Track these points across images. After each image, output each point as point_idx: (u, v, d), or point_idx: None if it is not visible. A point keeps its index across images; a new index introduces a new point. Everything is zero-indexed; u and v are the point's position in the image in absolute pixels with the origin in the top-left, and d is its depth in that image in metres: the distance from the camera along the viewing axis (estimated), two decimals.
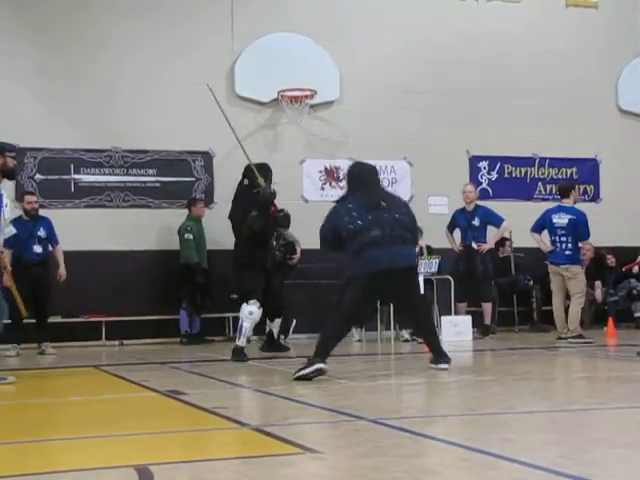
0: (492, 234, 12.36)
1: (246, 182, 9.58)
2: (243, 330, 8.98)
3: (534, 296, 13.42)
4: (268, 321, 10.12)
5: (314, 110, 13.53)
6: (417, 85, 13.92)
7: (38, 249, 11.07)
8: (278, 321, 10.28)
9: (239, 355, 8.93)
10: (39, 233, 11.14)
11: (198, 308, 12.39)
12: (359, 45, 13.80)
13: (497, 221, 12.25)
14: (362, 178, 7.58)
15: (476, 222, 12.14)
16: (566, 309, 11.23)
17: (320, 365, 6.97)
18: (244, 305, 9.05)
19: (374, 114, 13.74)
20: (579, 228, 11.13)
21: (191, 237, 12.31)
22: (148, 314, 12.42)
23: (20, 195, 11.52)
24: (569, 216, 11.16)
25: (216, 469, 3.78)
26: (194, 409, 5.54)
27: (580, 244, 11.60)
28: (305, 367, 6.96)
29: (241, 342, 8.99)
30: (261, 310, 9.04)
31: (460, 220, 12.27)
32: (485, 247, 12.11)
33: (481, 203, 12.62)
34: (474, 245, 12.06)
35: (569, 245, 11.12)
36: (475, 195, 12.42)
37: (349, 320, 7.48)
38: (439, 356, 7.69)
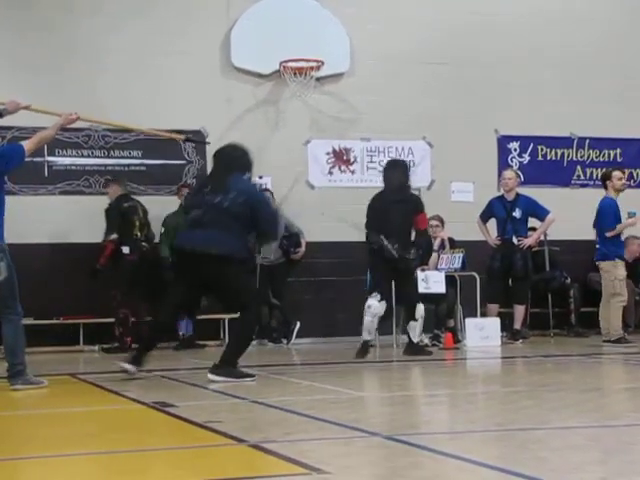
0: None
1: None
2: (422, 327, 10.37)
3: (572, 296, 13.38)
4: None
5: (321, 83, 13.51)
6: (438, 55, 13.89)
7: None
8: None
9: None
10: None
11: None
12: (372, 9, 13.77)
13: (542, 213, 12.21)
14: (219, 160, 8.23)
15: (517, 213, 12.09)
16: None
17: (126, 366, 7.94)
18: (419, 305, 10.30)
19: (389, 88, 13.72)
20: (599, 218, 11.43)
21: (162, 230, 12.38)
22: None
23: None
24: (598, 207, 11.54)
25: None
26: (184, 423, 5.55)
27: (622, 237, 11.61)
28: None
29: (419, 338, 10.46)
30: (383, 304, 10.22)
31: (498, 210, 12.21)
32: (527, 242, 12.08)
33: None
34: (514, 240, 12.02)
35: (598, 239, 11.48)
36: (516, 182, 12.35)
37: (169, 303, 8.17)
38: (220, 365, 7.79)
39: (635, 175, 14.88)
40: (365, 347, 10.20)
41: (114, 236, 11.88)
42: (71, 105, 12.71)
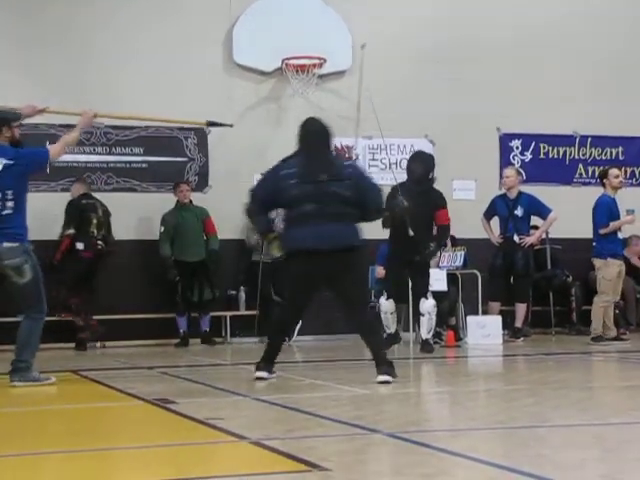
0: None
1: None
2: (433, 324, 10.57)
3: (573, 294, 13.38)
4: None
5: (323, 81, 13.50)
6: (441, 53, 13.86)
7: None
8: None
9: (429, 347, 10.39)
10: None
11: (180, 306, 12.39)
12: (375, 7, 13.74)
13: (544, 211, 12.19)
14: (309, 140, 7.61)
15: (519, 212, 12.07)
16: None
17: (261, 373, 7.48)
18: (424, 300, 10.47)
19: (391, 86, 13.69)
20: (594, 216, 11.53)
21: (162, 229, 12.39)
22: (133, 312, 12.44)
23: None
24: (594, 204, 11.60)
25: None
26: (185, 420, 5.55)
27: (620, 235, 11.60)
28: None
29: (430, 335, 10.57)
30: (391, 301, 10.54)
31: (501, 208, 12.19)
32: (529, 241, 12.07)
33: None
34: (515, 238, 12.01)
35: (594, 236, 11.50)
36: (516, 180, 12.32)
37: (291, 310, 7.70)
38: (381, 366, 7.29)
39: (637, 173, 14.87)
40: (389, 340, 10.30)
41: (71, 231, 11.98)
42: (73, 102, 12.78)
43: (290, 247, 7.51)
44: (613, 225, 11.44)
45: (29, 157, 7.80)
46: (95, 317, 12.29)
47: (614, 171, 11.79)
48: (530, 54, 14.16)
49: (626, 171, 14.68)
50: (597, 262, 11.50)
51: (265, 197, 7.49)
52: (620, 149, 14.74)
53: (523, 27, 14.15)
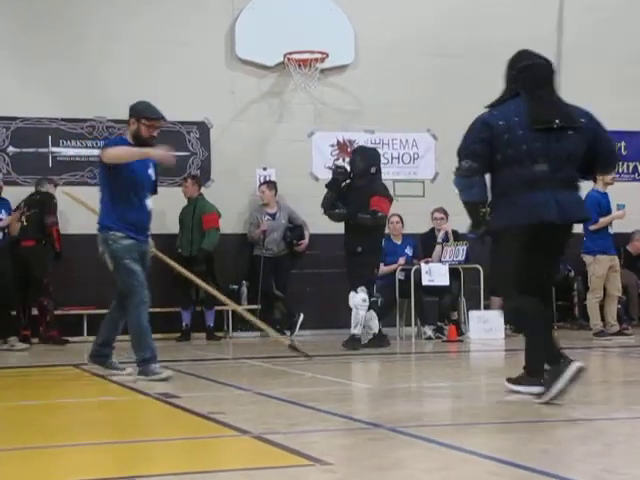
0: None
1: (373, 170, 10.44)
2: (359, 319, 10.24)
3: (575, 289, 13.38)
4: None
5: (325, 75, 13.49)
6: (442, 47, 13.84)
7: None
8: None
9: (353, 344, 10.16)
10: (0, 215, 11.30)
11: (183, 301, 12.39)
12: (376, 1, 13.73)
13: None
14: (535, 76, 6.14)
15: None
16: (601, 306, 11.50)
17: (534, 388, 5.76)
18: (353, 293, 10.21)
19: (393, 80, 13.69)
20: None
21: (179, 226, 12.43)
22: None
23: None
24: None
25: None
26: (188, 414, 5.56)
27: (610, 230, 11.56)
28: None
29: (357, 330, 10.27)
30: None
31: None
32: None
33: None
34: None
35: (584, 233, 11.46)
36: None
37: (522, 290, 5.81)
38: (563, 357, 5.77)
39: (639, 168, 14.85)
40: (358, 342, 10.29)
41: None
42: (75, 94, 12.80)
43: (515, 219, 5.76)
44: (602, 221, 11.42)
45: (102, 149, 7.76)
46: (96, 311, 12.30)
47: None
48: (533, 47, 14.08)
49: (628, 166, 14.68)
50: (586, 258, 11.53)
51: (485, 153, 5.91)
52: (623, 144, 14.70)
53: (526, 21, 14.12)
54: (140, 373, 7.34)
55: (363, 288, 10.27)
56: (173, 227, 12.67)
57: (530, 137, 5.77)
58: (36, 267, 11.62)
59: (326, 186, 10.63)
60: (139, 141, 7.53)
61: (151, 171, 7.74)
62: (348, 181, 10.51)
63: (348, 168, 10.61)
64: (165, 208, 12.39)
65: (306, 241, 12.73)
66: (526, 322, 5.93)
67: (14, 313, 11.51)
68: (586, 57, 14.26)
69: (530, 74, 6.14)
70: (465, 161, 6.00)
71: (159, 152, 7.60)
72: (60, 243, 11.92)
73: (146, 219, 7.66)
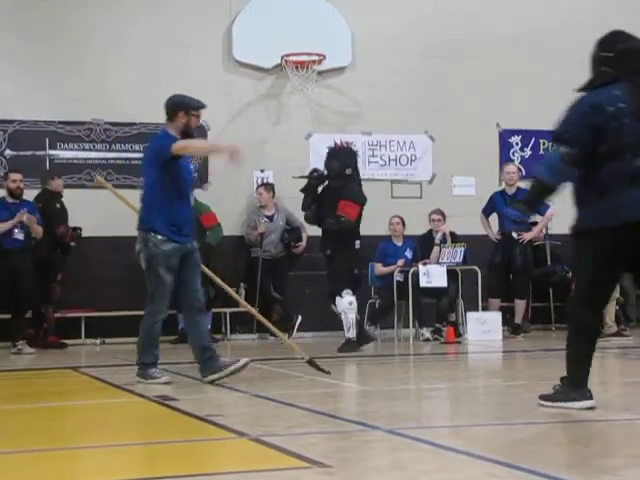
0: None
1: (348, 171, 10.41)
2: (350, 322, 10.22)
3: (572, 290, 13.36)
4: None
5: (323, 77, 13.49)
6: (440, 49, 13.85)
7: (20, 235, 11.18)
8: None
9: (349, 347, 10.13)
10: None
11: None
12: (374, 2, 13.73)
13: (542, 208, 12.16)
14: (636, 61, 5.55)
15: None
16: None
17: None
18: (339, 298, 10.15)
19: (391, 81, 13.69)
20: None
21: None
22: (134, 309, 12.41)
23: (5, 173, 11.61)
24: None
25: None
26: (185, 417, 5.56)
27: None
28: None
29: (351, 334, 10.24)
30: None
31: (500, 204, 12.17)
32: (527, 237, 12.04)
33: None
34: (514, 234, 11.99)
35: None
36: (519, 176, 12.31)
37: (587, 304, 5.41)
38: None
39: None
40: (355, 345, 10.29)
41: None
42: (69, 98, 12.79)
43: (605, 220, 5.24)
44: None
45: (156, 144, 7.46)
46: (95, 314, 12.32)
47: None
48: (530, 50, 14.13)
49: None
50: None
51: (590, 141, 5.35)
52: None
53: (523, 23, 14.13)
54: (139, 375, 7.29)
55: (348, 291, 10.19)
56: None
57: (637, 127, 5.24)
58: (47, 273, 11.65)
59: (301, 190, 10.64)
60: (187, 134, 7.34)
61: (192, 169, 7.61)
62: (326, 183, 10.51)
63: (324, 172, 10.56)
64: None
65: (303, 243, 12.73)
66: (582, 339, 5.45)
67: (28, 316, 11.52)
68: (583, 60, 14.26)
69: (633, 58, 5.54)
70: (566, 147, 5.45)
71: (231, 146, 7.30)
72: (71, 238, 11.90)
73: (190, 219, 7.48)
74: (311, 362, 7.71)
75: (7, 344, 11.16)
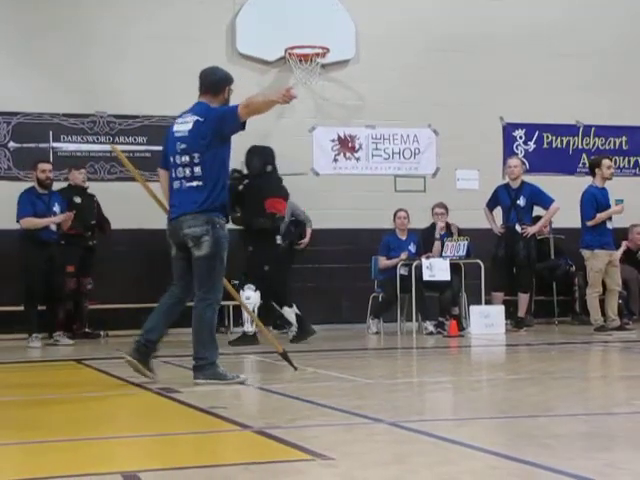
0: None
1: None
2: (245, 316, 10.40)
3: (576, 284, 13.37)
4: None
5: (326, 70, 13.49)
6: (444, 43, 13.84)
7: (54, 227, 11.22)
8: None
9: (245, 340, 10.31)
10: (54, 208, 11.29)
11: None
12: None
13: (546, 202, 12.14)
14: None
15: (521, 202, 12.02)
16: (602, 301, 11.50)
17: None
18: (241, 291, 10.14)
19: (394, 75, 13.68)
20: (581, 208, 11.53)
21: None
22: (136, 302, 12.42)
23: (33, 162, 11.59)
24: (581, 196, 11.58)
25: (214, 477, 3.79)
26: (189, 409, 5.56)
27: (608, 225, 11.52)
28: None
29: (247, 327, 10.46)
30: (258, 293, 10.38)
31: (503, 198, 12.15)
32: (530, 231, 12.03)
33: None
34: (517, 228, 11.98)
35: (582, 228, 11.49)
36: (521, 170, 12.29)
37: None
38: None
39: None
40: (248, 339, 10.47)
41: None
42: (74, 91, 12.80)
43: None
44: (600, 216, 11.41)
45: (217, 114, 6.77)
46: (100, 306, 12.32)
47: (607, 161, 11.75)
48: (534, 44, 14.12)
49: (629, 160, 14.67)
50: (585, 253, 11.53)
51: None
52: (624, 139, 14.70)
53: (527, 17, 14.12)
54: (208, 377, 6.66)
55: (250, 286, 10.44)
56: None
57: None
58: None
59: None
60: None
61: None
62: (246, 182, 10.59)
63: (244, 171, 10.71)
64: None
65: (306, 240, 12.64)
66: None
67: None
68: (586, 54, 14.25)
69: None
70: None
71: (283, 95, 6.68)
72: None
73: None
74: (284, 355, 7.43)
75: (24, 336, 11.18)
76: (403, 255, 11.97)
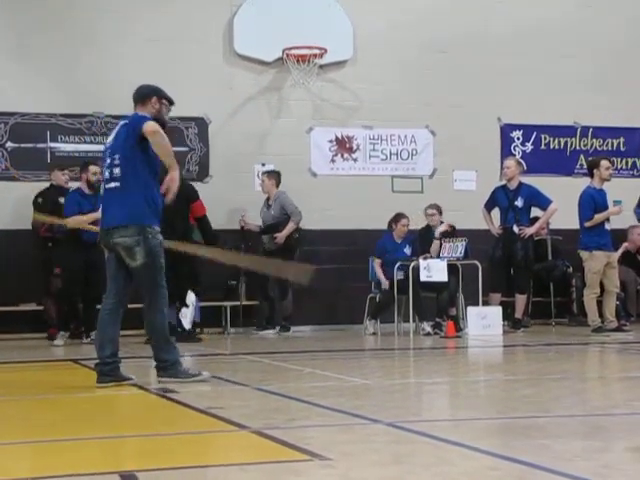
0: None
1: None
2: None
3: (573, 285, 13.39)
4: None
5: (324, 71, 13.50)
6: (441, 43, 13.86)
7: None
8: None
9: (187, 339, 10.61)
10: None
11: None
12: None
13: (543, 203, 12.15)
14: None
15: (519, 202, 12.02)
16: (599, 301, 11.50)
17: None
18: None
19: (392, 76, 13.69)
20: (579, 209, 11.50)
21: None
22: (132, 302, 12.39)
23: (82, 164, 11.55)
24: (579, 197, 11.55)
25: (211, 477, 3.79)
26: (186, 409, 5.56)
27: (606, 226, 11.51)
28: None
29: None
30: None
31: (501, 199, 12.15)
32: (528, 232, 12.03)
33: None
34: (515, 229, 11.98)
35: (580, 229, 11.47)
36: (516, 171, 12.25)
37: None
38: None
39: (638, 164, 14.85)
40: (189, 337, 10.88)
41: None
42: (70, 91, 12.79)
43: None
44: (598, 217, 11.40)
45: (134, 120, 6.90)
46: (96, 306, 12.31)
47: (606, 162, 11.74)
48: (531, 45, 14.13)
49: (627, 162, 14.69)
50: (583, 254, 11.52)
51: None
52: (621, 140, 14.72)
53: (524, 18, 14.13)
54: (171, 375, 6.77)
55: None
56: None
57: None
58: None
59: None
60: (159, 122, 6.90)
61: None
62: None
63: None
64: None
65: (279, 237, 12.28)
66: None
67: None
68: (584, 55, 14.27)
69: None
70: None
71: (175, 180, 6.77)
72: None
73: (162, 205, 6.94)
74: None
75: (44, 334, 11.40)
76: (386, 283, 12.02)
